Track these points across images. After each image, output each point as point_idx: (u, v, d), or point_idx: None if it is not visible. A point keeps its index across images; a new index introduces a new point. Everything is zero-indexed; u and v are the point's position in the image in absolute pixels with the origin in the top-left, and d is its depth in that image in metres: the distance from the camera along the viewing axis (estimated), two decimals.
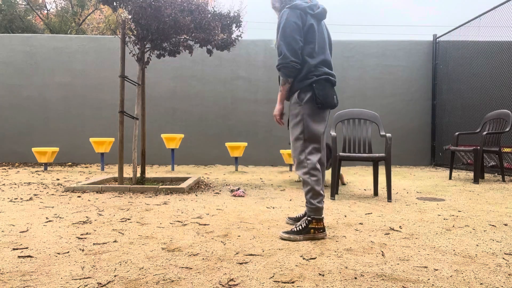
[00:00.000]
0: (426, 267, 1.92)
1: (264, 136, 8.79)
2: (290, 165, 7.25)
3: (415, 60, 8.96)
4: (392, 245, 2.30)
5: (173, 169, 7.47)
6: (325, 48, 2.62)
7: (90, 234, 2.53)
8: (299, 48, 2.48)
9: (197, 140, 8.74)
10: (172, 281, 1.72)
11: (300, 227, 2.46)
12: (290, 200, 3.97)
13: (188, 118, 8.81)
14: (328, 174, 6.41)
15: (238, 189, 4.52)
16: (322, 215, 2.46)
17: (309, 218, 2.45)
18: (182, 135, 7.54)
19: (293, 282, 1.71)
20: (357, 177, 6.41)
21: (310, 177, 2.47)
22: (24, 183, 5.22)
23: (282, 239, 2.44)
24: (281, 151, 7.00)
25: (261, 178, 6.04)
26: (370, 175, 6.68)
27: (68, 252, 2.14)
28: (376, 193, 4.33)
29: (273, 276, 1.78)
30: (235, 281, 1.71)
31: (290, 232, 2.45)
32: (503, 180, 5.66)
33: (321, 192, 2.48)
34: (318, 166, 2.49)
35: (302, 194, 4.34)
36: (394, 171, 7.32)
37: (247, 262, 1.97)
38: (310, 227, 2.43)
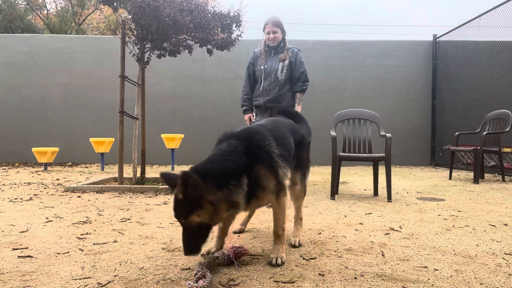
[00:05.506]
0: (426, 267, 1.92)
1: None
2: None
3: (415, 60, 8.95)
4: (392, 245, 2.30)
5: (173, 169, 7.46)
6: None
7: (90, 234, 2.53)
8: None
9: (197, 140, 8.73)
10: (172, 281, 1.72)
11: None
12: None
13: (188, 118, 8.80)
14: (328, 175, 6.39)
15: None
16: None
17: None
18: (182, 135, 7.55)
19: (293, 282, 1.71)
20: (357, 177, 6.41)
21: None
22: (24, 183, 5.22)
23: None
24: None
25: None
26: (370, 175, 6.66)
27: (68, 252, 2.13)
28: (376, 193, 4.33)
29: (273, 276, 1.78)
30: (235, 281, 1.71)
31: None
32: (503, 180, 5.66)
33: None
34: None
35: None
36: (394, 171, 7.32)
37: (247, 262, 1.97)
38: None
